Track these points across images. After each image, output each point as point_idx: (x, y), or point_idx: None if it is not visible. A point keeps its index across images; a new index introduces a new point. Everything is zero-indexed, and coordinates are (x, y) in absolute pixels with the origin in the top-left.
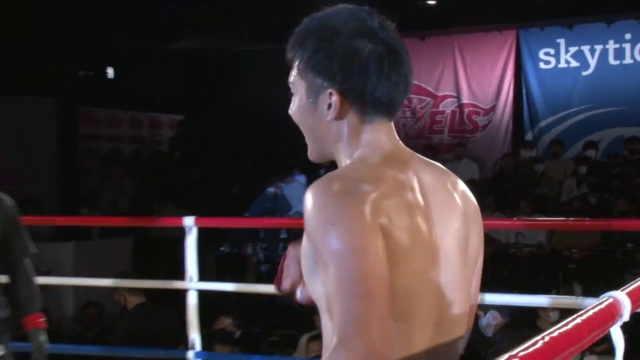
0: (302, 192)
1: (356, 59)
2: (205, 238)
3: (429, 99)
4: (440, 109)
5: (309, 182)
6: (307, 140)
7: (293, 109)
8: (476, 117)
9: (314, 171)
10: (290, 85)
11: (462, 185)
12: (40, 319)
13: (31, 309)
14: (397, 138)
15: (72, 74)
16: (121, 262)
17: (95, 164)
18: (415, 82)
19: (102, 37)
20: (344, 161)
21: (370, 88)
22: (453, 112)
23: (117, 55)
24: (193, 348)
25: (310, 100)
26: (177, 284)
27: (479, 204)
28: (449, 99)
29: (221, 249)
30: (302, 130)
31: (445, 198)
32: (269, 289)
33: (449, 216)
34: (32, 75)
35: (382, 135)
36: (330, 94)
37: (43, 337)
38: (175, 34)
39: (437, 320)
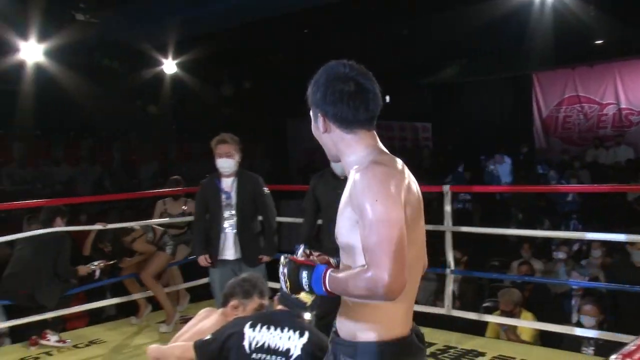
0: (509, 169)
1: (333, 95)
2: None
3: (596, 105)
4: (604, 112)
5: (512, 163)
6: (323, 147)
7: (312, 128)
8: (631, 117)
9: (515, 155)
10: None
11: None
12: None
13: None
14: (378, 140)
15: None
16: None
17: None
18: (585, 95)
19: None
20: (344, 159)
21: (337, 112)
22: (614, 114)
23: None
24: (449, 267)
25: (316, 122)
26: (439, 227)
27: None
28: (611, 105)
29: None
30: (318, 141)
31: (412, 177)
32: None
33: (415, 188)
34: None
35: (369, 140)
36: (322, 117)
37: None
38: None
39: (420, 252)
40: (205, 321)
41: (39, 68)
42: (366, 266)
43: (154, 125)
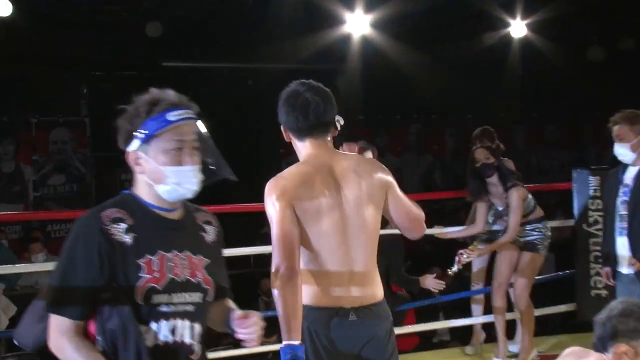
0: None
1: (284, 108)
2: None
3: None
4: None
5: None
6: None
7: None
8: None
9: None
10: None
11: (367, 165)
12: None
13: None
14: (327, 147)
15: None
16: None
17: None
18: None
19: None
20: None
21: (286, 122)
22: None
23: None
24: None
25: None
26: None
27: None
28: None
29: None
30: None
31: (351, 176)
32: None
33: (352, 186)
34: None
35: (313, 149)
36: (283, 127)
37: None
38: None
39: (344, 246)
40: None
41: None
42: None
43: (495, 104)
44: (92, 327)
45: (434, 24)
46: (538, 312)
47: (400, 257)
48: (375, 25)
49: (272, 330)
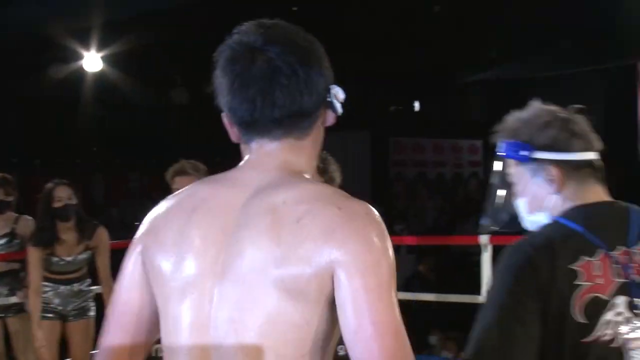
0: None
1: (218, 79)
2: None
3: None
4: None
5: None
6: None
7: None
8: None
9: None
10: None
11: (311, 212)
12: None
13: None
14: (273, 157)
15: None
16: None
17: (404, 187)
18: None
19: (410, 75)
20: None
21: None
22: None
23: (422, 91)
24: None
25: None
26: (469, 298)
27: None
28: None
29: None
30: None
31: (255, 225)
32: None
33: (249, 240)
34: (351, 112)
35: (252, 154)
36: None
37: None
38: (472, 68)
39: (203, 346)
40: None
41: None
42: None
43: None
44: None
45: None
46: None
47: None
48: None
49: None
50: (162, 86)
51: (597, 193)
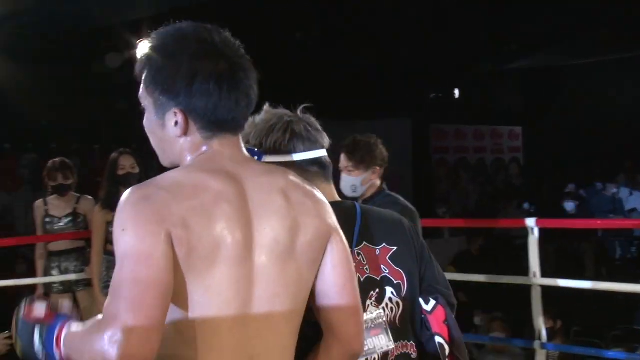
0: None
1: (197, 79)
2: (546, 235)
3: None
4: None
5: None
6: (157, 151)
7: (145, 122)
8: None
9: None
10: (140, 100)
11: (297, 187)
12: None
13: None
14: (241, 151)
15: (425, 97)
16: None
17: (446, 172)
18: None
19: (450, 64)
20: None
21: (211, 107)
22: None
23: (462, 78)
24: (539, 339)
25: (158, 117)
26: (522, 280)
27: None
28: None
29: None
30: (151, 141)
31: (269, 203)
32: (613, 286)
33: (268, 218)
34: (390, 100)
35: (224, 148)
36: (175, 112)
37: None
38: (512, 56)
39: (244, 328)
40: None
41: None
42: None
43: None
44: None
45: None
46: None
47: None
48: None
49: None
50: None
51: (327, 193)
